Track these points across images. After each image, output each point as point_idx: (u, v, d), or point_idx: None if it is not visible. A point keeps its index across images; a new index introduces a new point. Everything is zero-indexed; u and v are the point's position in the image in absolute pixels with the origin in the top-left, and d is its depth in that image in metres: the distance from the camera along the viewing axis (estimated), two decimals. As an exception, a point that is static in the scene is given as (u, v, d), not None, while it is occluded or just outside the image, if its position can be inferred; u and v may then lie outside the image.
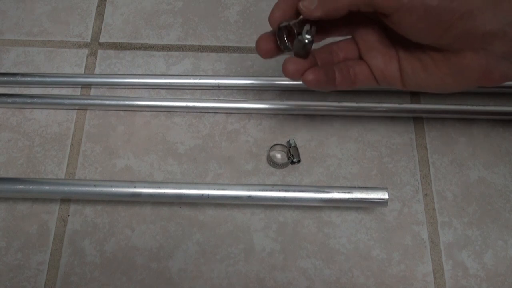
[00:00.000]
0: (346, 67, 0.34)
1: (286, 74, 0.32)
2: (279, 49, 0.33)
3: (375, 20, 0.33)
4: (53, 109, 0.47)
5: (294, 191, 0.39)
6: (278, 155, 0.45)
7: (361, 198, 0.38)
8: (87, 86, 0.48)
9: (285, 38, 0.32)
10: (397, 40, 0.32)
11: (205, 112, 0.47)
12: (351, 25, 0.34)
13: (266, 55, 0.33)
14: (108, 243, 0.41)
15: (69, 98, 0.47)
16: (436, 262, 0.40)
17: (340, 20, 0.31)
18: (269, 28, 0.33)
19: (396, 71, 0.33)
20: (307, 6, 0.30)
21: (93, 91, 0.48)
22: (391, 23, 0.29)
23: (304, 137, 0.45)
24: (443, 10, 0.27)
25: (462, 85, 0.31)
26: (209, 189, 0.39)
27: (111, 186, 0.39)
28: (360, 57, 0.34)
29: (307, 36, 0.30)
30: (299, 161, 0.43)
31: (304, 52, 0.31)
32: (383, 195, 0.38)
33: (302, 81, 0.32)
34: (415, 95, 0.47)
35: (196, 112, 0.46)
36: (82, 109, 0.47)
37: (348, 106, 0.45)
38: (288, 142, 0.44)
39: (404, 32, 0.30)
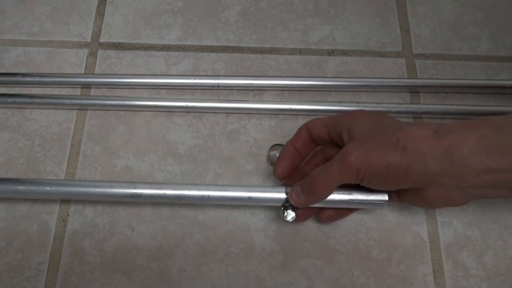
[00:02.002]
0: None
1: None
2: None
3: None
4: (53, 109, 0.47)
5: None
6: (278, 155, 0.45)
7: (361, 200, 0.38)
8: (87, 86, 0.48)
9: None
10: None
11: (205, 112, 0.47)
12: None
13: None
14: (108, 243, 0.41)
15: (69, 98, 0.47)
16: (436, 262, 0.40)
17: None
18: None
19: (394, 195, 0.38)
20: (296, 200, 0.37)
21: (93, 91, 0.48)
22: (363, 185, 0.36)
23: (304, 137, 0.45)
24: (388, 173, 0.34)
25: (436, 207, 0.39)
26: (209, 190, 0.39)
27: (111, 187, 0.39)
28: None
29: (288, 218, 0.38)
30: (299, 161, 0.43)
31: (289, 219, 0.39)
32: (383, 196, 0.38)
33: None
34: (415, 95, 0.47)
35: (196, 112, 0.46)
36: (82, 109, 0.47)
37: (348, 106, 0.46)
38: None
39: (374, 188, 0.36)
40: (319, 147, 0.41)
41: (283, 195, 0.38)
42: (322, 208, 0.39)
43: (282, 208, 0.38)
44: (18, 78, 0.47)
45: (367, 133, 0.36)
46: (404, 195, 0.37)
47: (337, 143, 0.38)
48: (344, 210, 0.40)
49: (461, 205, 0.36)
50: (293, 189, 0.38)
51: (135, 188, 0.39)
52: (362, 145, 0.34)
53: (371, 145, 0.34)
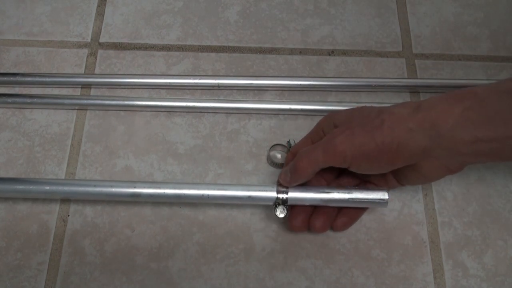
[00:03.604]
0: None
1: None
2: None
3: None
4: (53, 109, 0.47)
5: (294, 191, 0.39)
6: (278, 155, 0.45)
7: (361, 199, 0.38)
8: (87, 86, 0.48)
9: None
10: None
11: (205, 112, 0.47)
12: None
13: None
14: (108, 243, 0.41)
15: (69, 98, 0.47)
16: (436, 262, 0.40)
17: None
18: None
19: (392, 179, 0.39)
20: (283, 178, 0.38)
21: (93, 91, 0.48)
22: (354, 170, 0.36)
23: (304, 137, 0.45)
24: (380, 154, 0.34)
25: (435, 180, 0.38)
26: (209, 189, 0.39)
27: (111, 186, 0.39)
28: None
29: (279, 215, 0.38)
30: (299, 161, 0.43)
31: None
32: (383, 195, 0.38)
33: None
34: (415, 95, 0.47)
35: (196, 112, 0.46)
36: (82, 109, 0.47)
37: (348, 106, 0.45)
38: (288, 142, 0.44)
39: (366, 172, 0.37)
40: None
41: (281, 193, 0.38)
42: (336, 218, 0.39)
43: (274, 206, 0.39)
44: (18, 78, 0.47)
45: (349, 120, 0.36)
46: (402, 176, 0.38)
47: None
48: (355, 213, 0.40)
49: (458, 172, 0.36)
50: (282, 170, 0.39)
51: (134, 187, 0.39)
52: (347, 129, 0.35)
53: (356, 128, 0.34)
